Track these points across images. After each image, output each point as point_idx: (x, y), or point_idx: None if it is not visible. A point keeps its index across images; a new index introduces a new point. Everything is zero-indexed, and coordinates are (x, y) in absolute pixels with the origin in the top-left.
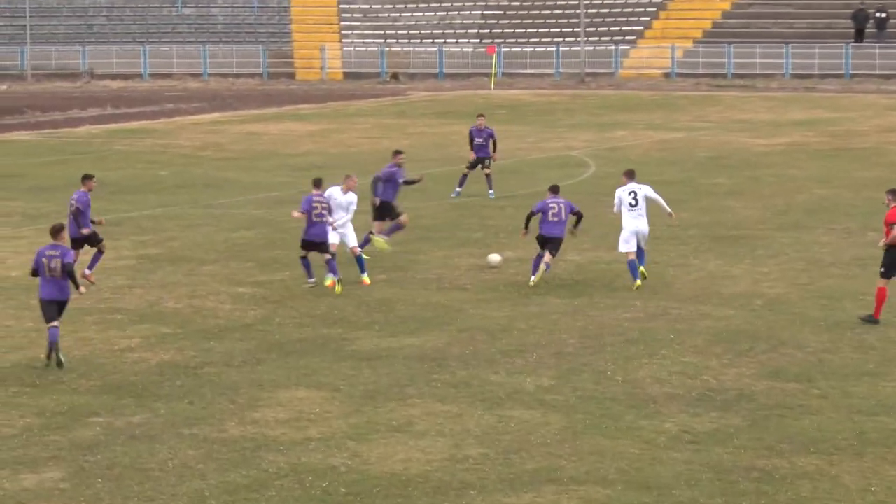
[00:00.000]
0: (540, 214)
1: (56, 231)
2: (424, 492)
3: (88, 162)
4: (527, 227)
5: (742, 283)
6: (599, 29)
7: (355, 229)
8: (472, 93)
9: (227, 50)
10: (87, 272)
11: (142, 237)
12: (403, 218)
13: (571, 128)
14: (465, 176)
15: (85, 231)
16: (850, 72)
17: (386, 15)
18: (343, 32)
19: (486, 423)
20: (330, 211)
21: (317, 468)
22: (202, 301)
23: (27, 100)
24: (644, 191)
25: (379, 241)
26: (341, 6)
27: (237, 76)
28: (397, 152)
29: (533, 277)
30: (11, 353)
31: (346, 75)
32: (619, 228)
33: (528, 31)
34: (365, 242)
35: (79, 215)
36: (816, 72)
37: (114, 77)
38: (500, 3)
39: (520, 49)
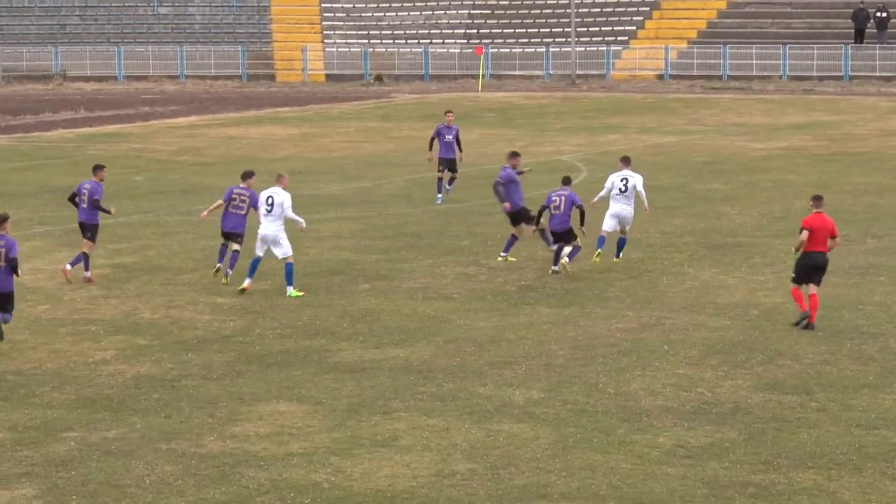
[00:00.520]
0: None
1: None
2: None
3: (60, 167)
4: (538, 222)
5: (738, 293)
6: (591, 29)
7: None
8: (459, 95)
9: (205, 51)
10: (87, 274)
11: (117, 245)
12: (525, 228)
13: (562, 131)
14: (441, 180)
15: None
16: (850, 73)
17: (370, 14)
18: (325, 33)
19: (473, 437)
20: (251, 205)
21: (298, 484)
22: (180, 311)
23: None
24: (635, 180)
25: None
26: (323, 6)
27: (215, 78)
28: (514, 154)
29: (554, 267)
30: None
31: (329, 77)
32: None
33: (517, 31)
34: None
35: (97, 204)
36: (815, 73)
37: (87, 79)
38: (488, 3)
39: (508, 50)
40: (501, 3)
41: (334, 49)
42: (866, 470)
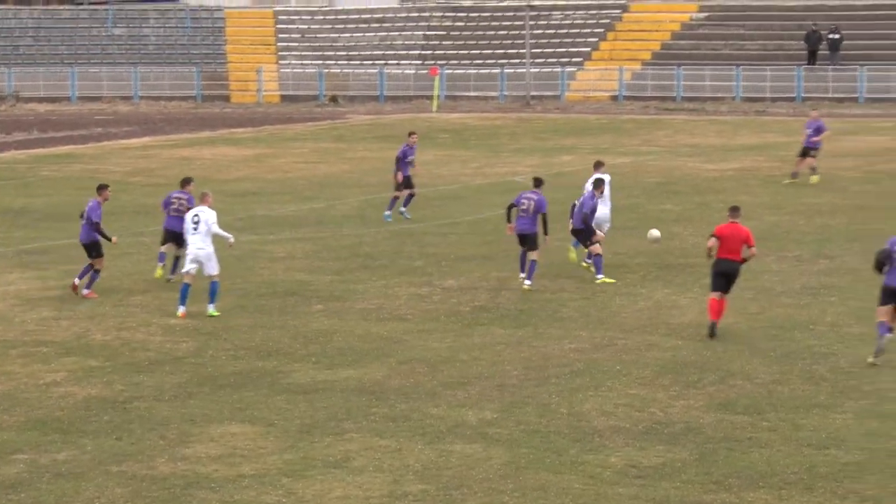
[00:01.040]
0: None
1: None
2: None
3: (13, 188)
4: (509, 219)
5: (690, 313)
6: (545, 50)
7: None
8: (414, 116)
9: (160, 72)
10: (86, 292)
11: (69, 266)
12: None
13: (516, 152)
14: (397, 199)
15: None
16: (803, 95)
17: (325, 35)
18: (280, 54)
19: (426, 457)
20: (188, 208)
21: None
22: (131, 333)
23: None
24: (607, 180)
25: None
26: (278, 26)
27: (169, 99)
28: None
29: (522, 275)
30: None
31: (283, 98)
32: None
33: (472, 52)
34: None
35: (93, 224)
36: (768, 95)
37: (40, 100)
38: (443, 24)
39: (463, 71)
40: (456, 24)
41: (289, 70)
42: (817, 489)
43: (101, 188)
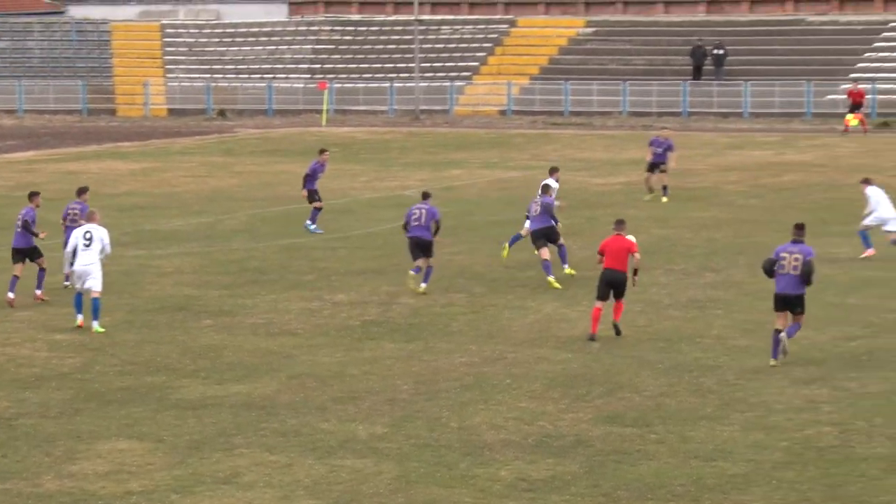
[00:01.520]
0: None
1: None
2: None
3: None
4: (406, 228)
5: (579, 326)
6: (434, 65)
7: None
8: (303, 130)
9: (44, 85)
10: (38, 292)
11: None
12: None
13: (406, 166)
14: (318, 210)
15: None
16: (688, 109)
17: (212, 49)
18: (167, 67)
19: (316, 472)
20: (83, 217)
21: None
22: (16, 349)
23: None
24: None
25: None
26: (165, 40)
27: (54, 112)
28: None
29: (423, 285)
30: None
31: (171, 112)
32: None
33: (361, 66)
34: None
35: (28, 228)
36: (654, 109)
37: None
38: (332, 38)
39: (352, 85)
40: (345, 38)
41: (176, 84)
42: (704, 501)
43: (33, 195)
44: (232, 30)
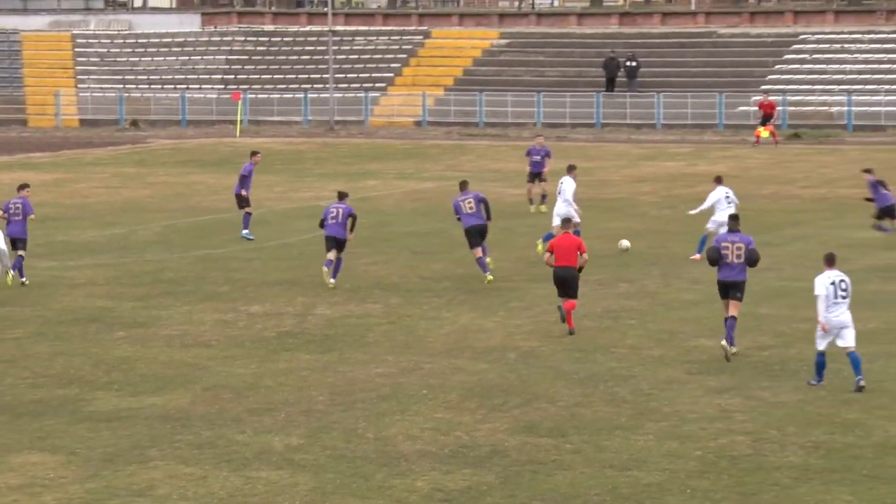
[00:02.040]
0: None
1: None
2: None
3: None
4: (322, 226)
5: (496, 336)
6: (349, 76)
7: None
8: (217, 140)
9: None
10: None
11: None
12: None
13: (321, 177)
14: (249, 215)
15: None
16: (602, 121)
17: (125, 59)
18: (79, 77)
19: (231, 485)
20: (25, 212)
21: None
22: None
23: None
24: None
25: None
26: (77, 50)
27: None
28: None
29: (331, 280)
30: None
31: (83, 122)
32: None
33: (275, 76)
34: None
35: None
36: (568, 120)
37: None
38: (246, 48)
39: (266, 95)
40: (259, 48)
41: (88, 94)
42: None
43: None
44: (144, 40)
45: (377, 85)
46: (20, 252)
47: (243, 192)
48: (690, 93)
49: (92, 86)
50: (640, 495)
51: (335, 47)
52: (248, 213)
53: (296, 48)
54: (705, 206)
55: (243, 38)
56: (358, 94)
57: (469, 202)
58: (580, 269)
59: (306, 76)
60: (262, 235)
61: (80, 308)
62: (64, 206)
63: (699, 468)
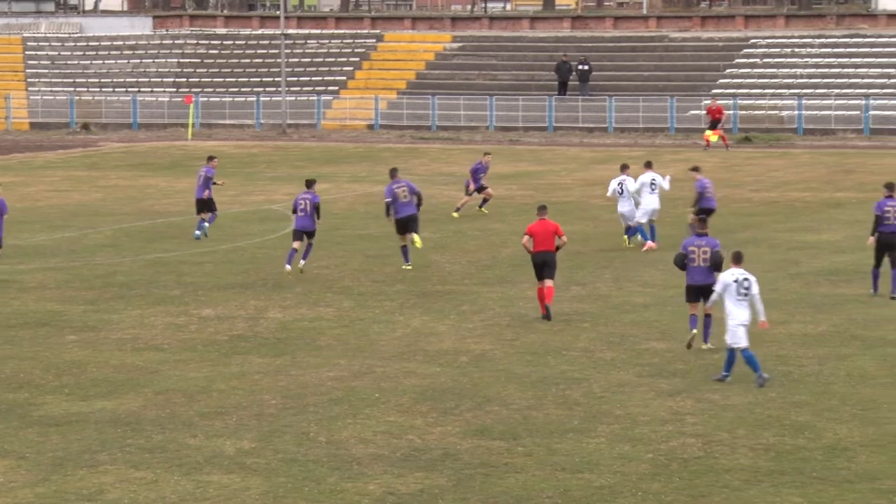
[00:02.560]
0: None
1: None
2: None
3: None
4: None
5: (448, 340)
6: (301, 79)
7: None
8: (169, 144)
9: None
10: None
11: None
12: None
13: (273, 180)
14: (203, 220)
15: None
16: (554, 124)
17: (76, 62)
18: (29, 80)
19: (182, 489)
20: None
21: None
22: None
23: None
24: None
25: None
26: (27, 52)
27: None
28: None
29: (302, 261)
30: None
31: (33, 125)
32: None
33: (227, 80)
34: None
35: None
36: (520, 124)
37: None
38: (198, 52)
39: (219, 99)
40: (211, 52)
41: (39, 97)
42: None
43: None
44: (95, 43)
45: (330, 88)
46: None
47: (206, 194)
48: (642, 96)
49: (42, 89)
50: (592, 498)
51: (287, 50)
52: (214, 215)
53: (248, 51)
54: (633, 188)
55: (195, 42)
56: (310, 98)
57: (403, 190)
58: (558, 249)
59: (258, 79)
60: (214, 239)
61: (31, 312)
62: (14, 210)
63: (651, 470)
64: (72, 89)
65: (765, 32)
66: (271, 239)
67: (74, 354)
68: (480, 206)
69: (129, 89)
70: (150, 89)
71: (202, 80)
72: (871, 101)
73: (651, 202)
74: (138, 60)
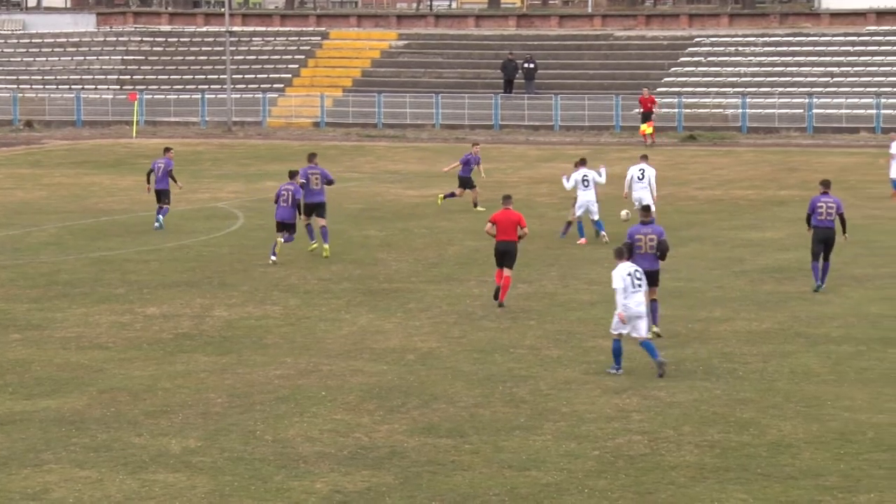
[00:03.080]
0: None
1: None
2: None
3: None
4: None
5: (394, 338)
6: (246, 76)
7: None
8: (114, 141)
9: None
10: None
11: None
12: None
13: (219, 178)
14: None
15: None
16: (500, 122)
17: (19, 59)
18: None
19: (128, 488)
20: None
21: None
22: None
23: None
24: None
25: None
26: None
27: None
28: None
29: (273, 258)
30: None
31: None
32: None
33: (172, 77)
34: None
35: None
36: (466, 122)
37: None
38: (142, 49)
39: (163, 96)
40: (155, 49)
41: None
42: None
43: None
44: (39, 40)
45: (275, 86)
46: None
47: (147, 187)
48: (588, 95)
49: None
50: (539, 495)
51: (233, 48)
52: (167, 209)
53: (193, 48)
54: (568, 186)
55: (139, 39)
56: (256, 95)
57: (316, 177)
58: (520, 238)
59: (203, 77)
60: (159, 237)
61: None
62: None
63: (597, 468)
64: (15, 87)
65: (709, 31)
66: (217, 237)
67: (18, 353)
68: (475, 206)
69: (73, 86)
70: (94, 86)
71: (146, 77)
72: (815, 100)
73: (585, 197)
74: (82, 58)
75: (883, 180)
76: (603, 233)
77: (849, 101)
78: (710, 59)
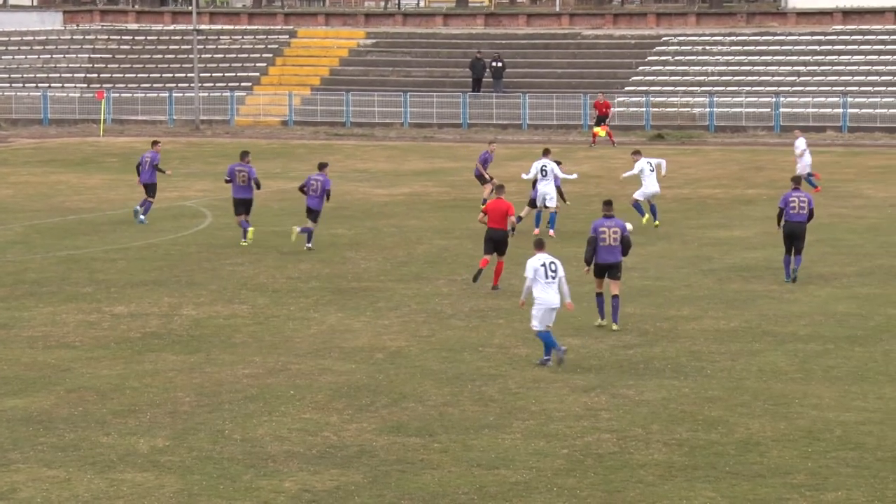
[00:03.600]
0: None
1: None
2: None
3: None
4: (302, 191)
5: (363, 337)
6: (214, 75)
7: None
8: (81, 140)
9: None
10: None
11: None
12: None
13: (187, 177)
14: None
15: None
16: (468, 121)
17: None
18: None
19: (96, 487)
20: None
21: None
22: None
23: None
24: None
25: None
26: None
27: None
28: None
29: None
30: None
31: None
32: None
33: (139, 75)
34: None
35: None
36: (435, 121)
37: None
38: (109, 47)
39: (130, 94)
40: (122, 47)
41: None
42: None
43: None
44: (5, 38)
45: (243, 84)
46: None
47: (137, 180)
48: (556, 93)
49: None
50: (508, 493)
51: (200, 46)
52: (151, 203)
53: (160, 47)
54: (528, 175)
55: (106, 37)
56: (224, 94)
57: (243, 176)
58: (512, 227)
59: (171, 75)
60: (127, 236)
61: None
62: None
63: (566, 466)
64: None
65: (676, 30)
66: (185, 235)
67: None
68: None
69: (40, 85)
70: (60, 85)
71: (114, 75)
72: (782, 99)
73: (543, 188)
74: (49, 56)
75: (851, 179)
76: (552, 231)
77: (815, 100)
78: (677, 58)
